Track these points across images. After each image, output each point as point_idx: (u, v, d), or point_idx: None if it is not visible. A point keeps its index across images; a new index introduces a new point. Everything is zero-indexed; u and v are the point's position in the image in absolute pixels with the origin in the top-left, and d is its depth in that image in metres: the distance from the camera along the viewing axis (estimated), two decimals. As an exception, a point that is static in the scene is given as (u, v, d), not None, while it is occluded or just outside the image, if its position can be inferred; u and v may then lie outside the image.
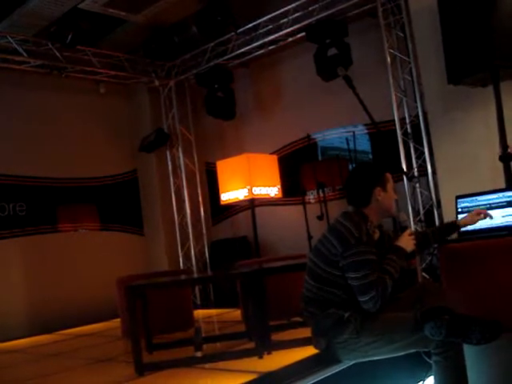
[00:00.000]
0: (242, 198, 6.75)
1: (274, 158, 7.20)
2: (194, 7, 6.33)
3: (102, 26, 6.62)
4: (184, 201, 7.95)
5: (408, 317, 2.63)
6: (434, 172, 5.42)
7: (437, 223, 5.37)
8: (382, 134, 6.06)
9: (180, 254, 7.89)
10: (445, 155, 4.91)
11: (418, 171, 5.77)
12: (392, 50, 5.82)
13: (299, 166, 7.32)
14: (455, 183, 4.62)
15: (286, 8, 6.40)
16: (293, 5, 6.34)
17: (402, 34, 5.81)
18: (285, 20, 6.48)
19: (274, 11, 6.51)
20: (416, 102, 5.68)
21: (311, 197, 7.14)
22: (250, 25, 6.73)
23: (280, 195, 7.03)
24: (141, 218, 8.23)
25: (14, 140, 6.83)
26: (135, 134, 8.01)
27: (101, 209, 7.75)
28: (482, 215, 3.11)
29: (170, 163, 8.02)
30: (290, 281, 4.00)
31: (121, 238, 7.89)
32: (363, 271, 2.60)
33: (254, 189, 6.64)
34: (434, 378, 2.62)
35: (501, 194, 3.25)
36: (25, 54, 6.34)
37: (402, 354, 2.69)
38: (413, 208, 5.67)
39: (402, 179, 5.70)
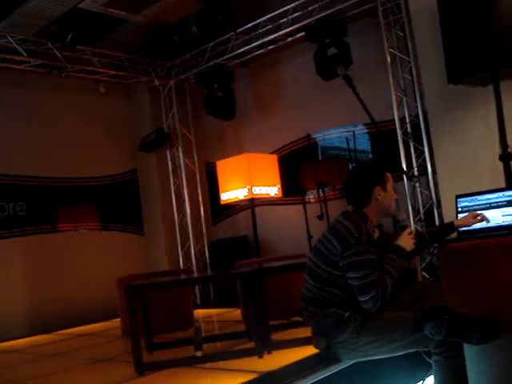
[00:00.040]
0: (241, 197, 6.76)
1: (274, 157, 7.20)
2: (194, 7, 6.33)
3: (102, 26, 6.61)
4: (184, 200, 7.95)
5: (408, 316, 2.63)
6: (434, 171, 5.42)
7: (437, 223, 5.37)
8: (381, 133, 6.06)
9: (180, 254, 7.89)
10: (445, 155, 4.91)
11: (418, 171, 5.77)
12: (392, 50, 5.82)
13: (299, 166, 7.32)
14: (455, 183, 4.62)
15: (285, 8, 6.40)
16: (292, 4, 6.33)
17: (401, 34, 5.81)
18: (284, 20, 6.48)
19: (274, 11, 6.51)
20: (416, 101, 5.68)
21: (311, 196, 7.14)
22: (250, 24, 6.73)
23: (280, 195, 7.03)
24: (141, 218, 8.23)
25: (14, 140, 6.83)
26: (135, 134, 8.00)
27: (101, 208, 7.75)
28: (479, 218, 3.12)
29: (169, 163, 8.02)
30: (290, 280, 4.00)
31: (121, 238, 7.89)
32: (363, 271, 2.60)
33: (253, 188, 6.64)
34: (434, 378, 2.62)
35: (501, 194, 3.25)
36: (25, 54, 6.34)
37: (402, 353, 2.69)
38: (413, 207, 5.66)
39: (402, 179, 5.70)
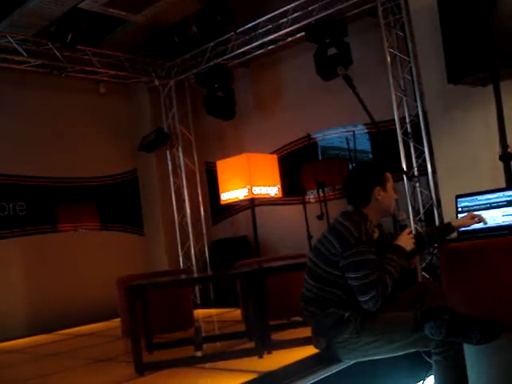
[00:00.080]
0: (241, 197, 6.76)
1: (274, 157, 7.20)
2: (194, 7, 6.33)
3: (102, 26, 6.61)
4: (184, 200, 7.95)
5: (408, 316, 2.63)
6: (434, 171, 5.42)
7: (437, 223, 5.37)
8: (381, 133, 6.06)
9: (180, 254, 7.89)
10: (445, 155, 4.91)
11: (418, 171, 5.77)
12: (392, 50, 5.82)
13: (299, 166, 7.32)
14: (455, 182, 4.62)
15: (285, 8, 6.40)
16: (292, 4, 6.33)
17: (401, 34, 5.81)
18: (284, 20, 6.48)
19: (274, 11, 6.51)
20: (416, 101, 5.68)
21: (311, 196, 7.13)
22: (250, 24, 6.73)
23: (280, 195, 7.03)
24: (141, 218, 8.23)
25: (14, 140, 6.83)
26: (135, 134, 8.00)
27: (101, 208, 7.75)
28: (477, 219, 3.13)
29: (169, 163, 8.02)
30: (290, 280, 4.00)
31: (121, 238, 7.89)
32: (363, 271, 2.60)
33: (253, 188, 6.64)
34: (434, 378, 2.62)
35: (501, 194, 3.25)
36: (25, 54, 6.34)
37: (402, 353, 2.69)
38: (413, 207, 5.66)
39: (402, 179, 5.70)
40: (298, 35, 6.59)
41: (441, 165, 4.99)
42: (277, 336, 3.92)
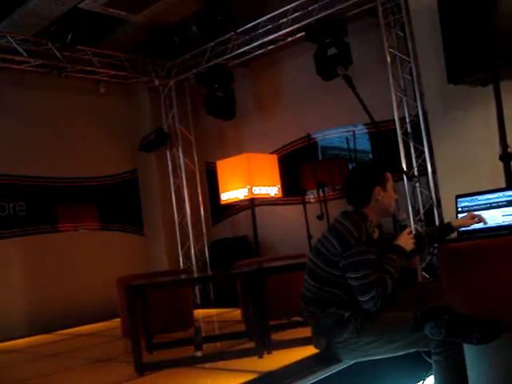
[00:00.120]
0: (241, 197, 6.75)
1: (274, 157, 7.20)
2: (194, 7, 6.33)
3: (102, 26, 6.61)
4: (184, 200, 7.95)
5: (408, 316, 2.63)
6: (434, 171, 5.42)
7: (437, 223, 5.37)
8: (381, 133, 6.06)
9: (180, 254, 7.89)
10: (445, 155, 4.91)
11: (418, 171, 5.77)
12: (392, 50, 5.82)
13: (299, 166, 7.32)
14: (455, 182, 4.62)
15: (285, 8, 6.40)
16: (292, 4, 6.33)
17: (401, 34, 5.81)
18: (284, 20, 6.48)
19: (274, 11, 6.51)
20: (416, 101, 5.68)
21: (311, 196, 7.13)
22: (250, 24, 6.73)
23: (280, 195, 7.03)
24: (141, 218, 8.23)
25: (14, 140, 6.83)
26: (135, 134, 8.00)
27: (101, 208, 7.75)
28: (477, 219, 3.13)
29: (169, 163, 8.02)
30: (290, 280, 4.00)
31: (121, 238, 7.89)
32: (363, 271, 2.60)
33: (253, 188, 6.64)
34: (434, 378, 2.62)
35: (501, 194, 3.25)
36: (25, 54, 6.34)
37: (402, 353, 2.69)
38: (413, 207, 5.66)
39: (402, 179, 5.70)
40: (298, 35, 6.59)
41: (441, 165, 4.99)
42: (277, 336, 3.92)
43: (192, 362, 3.61)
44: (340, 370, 2.83)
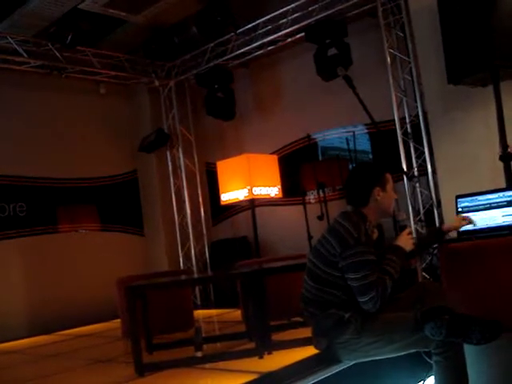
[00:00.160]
0: (242, 198, 6.75)
1: (274, 158, 7.20)
2: (194, 8, 6.33)
3: (102, 27, 6.62)
4: (184, 201, 7.95)
5: (408, 317, 2.63)
6: (434, 172, 5.42)
7: (437, 223, 5.37)
8: (382, 133, 6.06)
9: (180, 255, 7.88)
10: (445, 155, 4.91)
11: (418, 171, 5.77)
12: (392, 50, 5.82)
13: (299, 166, 7.31)
14: (455, 183, 4.62)
15: (285, 8, 6.40)
16: (292, 5, 6.34)
17: (401, 34, 5.81)
18: (284, 20, 6.48)
19: (274, 12, 6.51)
20: (416, 101, 5.68)
21: (311, 197, 7.13)
22: (250, 25, 6.73)
23: (280, 195, 7.03)
24: (141, 219, 8.23)
25: (14, 140, 6.83)
26: (135, 135, 8.00)
27: (101, 209, 7.75)
28: (467, 221, 3.15)
29: (170, 163, 8.02)
30: (290, 281, 4.00)
31: (121, 239, 7.89)
32: (363, 272, 2.60)
33: (254, 189, 6.64)
34: (435, 378, 2.62)
35: (501, 194, 3.25)
36: (25, 55, 6.34)
37: (403, 353, 2.69)
38: (413, 208, 5.66)
39: (402, 179, 5.71)
40: (298, 36, 6.59)
41: (441, 165, 4.99)
42: (277, 336, 3.92)
43: (192, 363, 3.61)
44: (340, 371, 2.83)
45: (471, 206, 3.32)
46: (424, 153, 5.63)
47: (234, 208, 8.00)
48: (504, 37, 3.86)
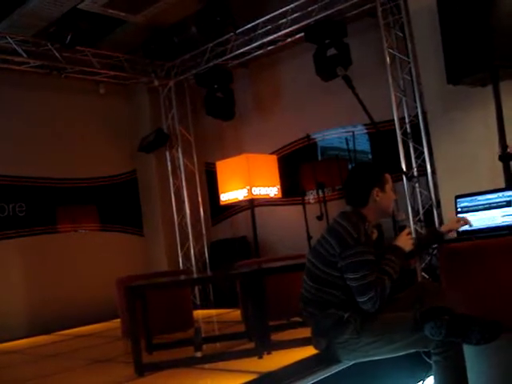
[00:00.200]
0: (241, 198, 6.75)
1: (274, 158, 7.20)
2: (194, 8, 6.33)
3: (102, 27, 6.62)
4: (183, 201, 7.95)
5: (408, 317, 2.63)
6: (433, 172, 5.42)
7: (436, 223, 5.37)
8: (381, 133, 6.06)
9: (179, 255, 7.88)
10: (444, 155, 4.91)
11: (418, 171, 5.77)
12: (391, 50, 5.82)
13: (299, 166, 7.30)
14: (455, 183, 4.62)
15: (284, 8, 6.40)
16: (291, 5, 6.33)
17: (401, 34, 5.81)
18: (284, 20, 6.48)
19: (273, 12, 6.51)
20: (415, 101, 5.68)
21: (311, 197, 7.13)
22: (249, 25, 6.73)
23: (279, 195, 7.03)
24: (140, 219, 8.23)
25: (13, 140, 6.82)
26: (135, 135, 8.00)
27: (100, 209, 7.75)
28: (462, 222, 3.16)
29: (169, 163, 8.01)
30: (290, 281, 3.99)
31: (120, 239, 7.89)
32: (362, 272, 2.60)
33: (253, 189, 6.64)
34: (434, 378, 2.62)
35: (500, 194, 3.26)
36: (24, 55, 6.34)
37: (402, 354, 2.69)
38: (412, 208, 5.66)
39: (402, 179, 5.70)
40: (298, 36, 6.58)
41: (440, 165, 4.99)
42: (276, 336, 3.92)
43: (192, 363, 3.61)
44: (340, 371, 2.83)
45: (471, 206, 3.32)
46: (423, 153, 5.63)
47: (234, 208, 8.00)
48: (503, 37, 3.86)
